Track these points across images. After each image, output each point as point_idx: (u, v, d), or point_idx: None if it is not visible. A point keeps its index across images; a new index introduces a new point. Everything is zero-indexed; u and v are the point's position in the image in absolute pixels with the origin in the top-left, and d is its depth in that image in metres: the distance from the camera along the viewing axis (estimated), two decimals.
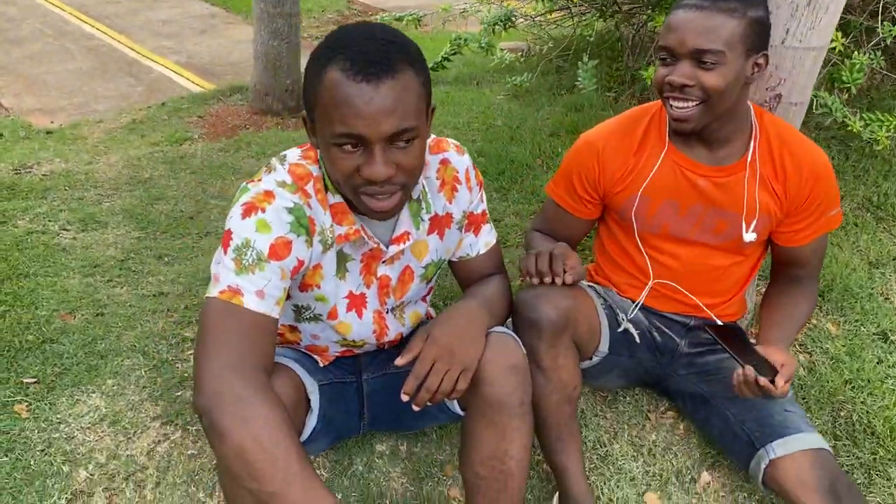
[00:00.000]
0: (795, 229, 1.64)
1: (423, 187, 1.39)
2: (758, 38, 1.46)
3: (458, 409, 1.50)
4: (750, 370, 1.43)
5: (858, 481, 1.77)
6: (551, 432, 1.59)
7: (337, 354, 1.52)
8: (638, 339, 1.73)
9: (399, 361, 1.31)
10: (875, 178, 2.87)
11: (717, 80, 1.45)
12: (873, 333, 2.21)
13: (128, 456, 1.66)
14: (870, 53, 2.79)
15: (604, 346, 1.68)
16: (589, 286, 1.77)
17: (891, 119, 2.75)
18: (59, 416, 1.74)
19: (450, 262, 1.56)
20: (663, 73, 1.48)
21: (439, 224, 1.45)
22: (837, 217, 1.66)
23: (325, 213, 1.29)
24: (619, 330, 1.71)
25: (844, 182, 2.83)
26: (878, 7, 2.86)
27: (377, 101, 1.10)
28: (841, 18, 3.02)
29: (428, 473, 1.73)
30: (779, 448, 1.50)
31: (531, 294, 1.51)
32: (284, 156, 1.31)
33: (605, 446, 1.81)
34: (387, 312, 1.47)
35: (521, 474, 1.37)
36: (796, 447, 1.49)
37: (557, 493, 1.65)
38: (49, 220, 2.67)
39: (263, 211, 1.21)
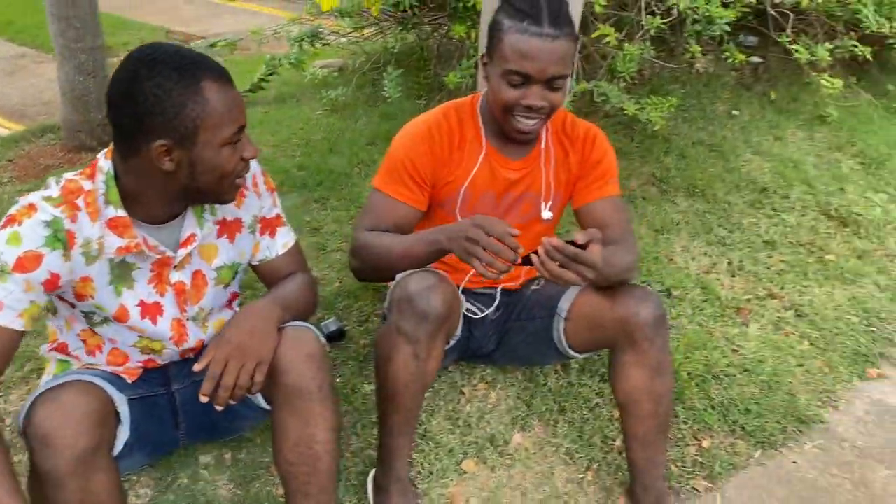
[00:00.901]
0: (583, 185, 1.81)
1: None
2: None
3: (263, 404, 1.57)
4: (555, 239, 1.41)
5: None
6: (402, 417, 1.63)
7: (140, 365, 1.55)
8: (480, 315, 1.86)
9: (196, 367, 1.37)
10: (657, 155, 3.20)
11: (562, 97, 1.63)
12: (660, 291, 2.48)
13: None
14: (640, 45, 3.11)
15: (458, 331, 1.80)
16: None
17: (663, 102, 3.09)
18: None
19: (254, 267, 1.63)
20: (516, 96, 1.60)
21: (228, 228, 1.52)
22: (617, 186, 1.84)
23: (93, 226, 1.33)
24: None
25: (630, 161, 3.14)
26: (642, 3, 3.19)
27: None
28: (614, 14, 3.35)
29: (254, 476, 1.78)
30: (564, 303, 1.78)
31: (422, 285, 1.54)
32: (63, 175, 1.35)
33: (424, 424, 1.93)
34: (188, 321, 1.52)
35: (330, 457, 1.46)
36: (573, 294, 1.78)
37: (374, 471, 1.75)
38: None
39: (20, 224, 1.27)
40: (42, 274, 1.29)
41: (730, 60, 3.41)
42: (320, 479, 1.45)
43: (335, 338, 2.17)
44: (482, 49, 2.04)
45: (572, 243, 1.41)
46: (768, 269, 2.76)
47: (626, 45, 3.02)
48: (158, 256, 1.41)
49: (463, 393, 2.02)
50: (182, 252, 1.43)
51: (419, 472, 1.83)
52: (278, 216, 1.62)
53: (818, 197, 3.19)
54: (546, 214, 1.81)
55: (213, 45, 4.46)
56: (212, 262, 1.51)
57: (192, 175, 1.32)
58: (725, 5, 3.14)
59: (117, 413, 1.43)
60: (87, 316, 1.44)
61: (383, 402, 1.64)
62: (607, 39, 3.06)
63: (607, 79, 3.19)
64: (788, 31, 3.48)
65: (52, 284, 1.31)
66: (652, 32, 3.07)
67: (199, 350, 1.58)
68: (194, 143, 1.29)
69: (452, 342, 1.80)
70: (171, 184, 1.34)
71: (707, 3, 2.93)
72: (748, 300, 2.59)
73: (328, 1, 3.14)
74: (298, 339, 1.43)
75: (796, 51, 3.36)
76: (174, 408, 1.61)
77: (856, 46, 3.53)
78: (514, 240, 1.41)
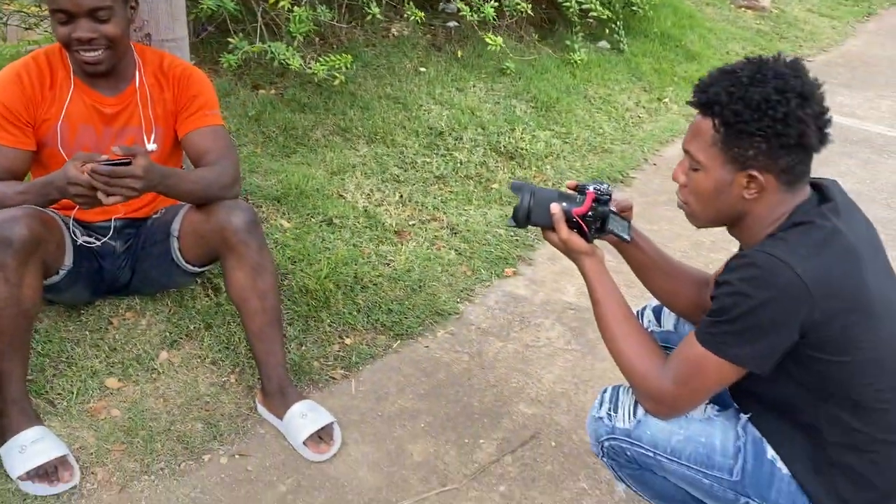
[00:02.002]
0: (184, 117, 2.01)
1: None
2: None
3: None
4: (92, 163, 1.64)
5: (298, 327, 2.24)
6: (5, 341, 1.72)
7: None
8: (98, 244, 1.99)
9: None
10: (343, 108, 3.48)
11: (114, 28, 1.81)
12: (321, 221, 2.74)
13: None
14: (307, 9, 3.35)
15: (68, 261, 1.91)
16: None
17: (340, 59, 3.36)
18: None
19: None
20: (67, 31, 1.78)
21: None
22: (217, 117, 2.06)
23: None
24: (78, 243, 1.95)
25: (316, 115, 3.39)
26: None
27: None
28: None
29: None
30: (175, 224, 2.03)
31: (7, 216, 1.66)
32: None
33: (67, 352, 2.05)
34: None
35: None
36: (181, 215, 2.00)
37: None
38: None
39: None
40: None
41: (411, 18, 3.77)
42: None
43: None
44: None
45: (110, 162, 1.62)
46: (435, 198, 3.12)
47: (297, 8, 3.25)
48: None
49: (111, 322, 2.16)
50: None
51: (59, 394, 1.95)
52: None
53: (490, 137, 3.61)
54: (150, 146, 1.98)
55: None
56: None
57: None
58: None
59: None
60: None
61: None
62: (281, 4, 3.29)
63: (287, 41, 3.40)
64: None
65: None
66: None
67: None
68: None
69: (63, 272, 1.91)
70: None
71: None
72: (412, 225, 2.92)
73: None
74: None
75: (462, 11, 3.77)
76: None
77: (519, 5, 4.02)
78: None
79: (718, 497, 1.42)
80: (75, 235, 1.96)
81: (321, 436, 1.94)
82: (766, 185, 1.30)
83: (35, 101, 1.87)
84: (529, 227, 1.52)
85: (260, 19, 3.52)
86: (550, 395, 2.21)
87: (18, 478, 1.73)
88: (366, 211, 2.88)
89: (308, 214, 2.74)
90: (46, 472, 1.73)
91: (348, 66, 3.38)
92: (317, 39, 3.91)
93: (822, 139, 1.28)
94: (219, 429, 1.97)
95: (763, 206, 1.33)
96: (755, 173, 1.29)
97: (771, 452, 1.40)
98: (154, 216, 2.09)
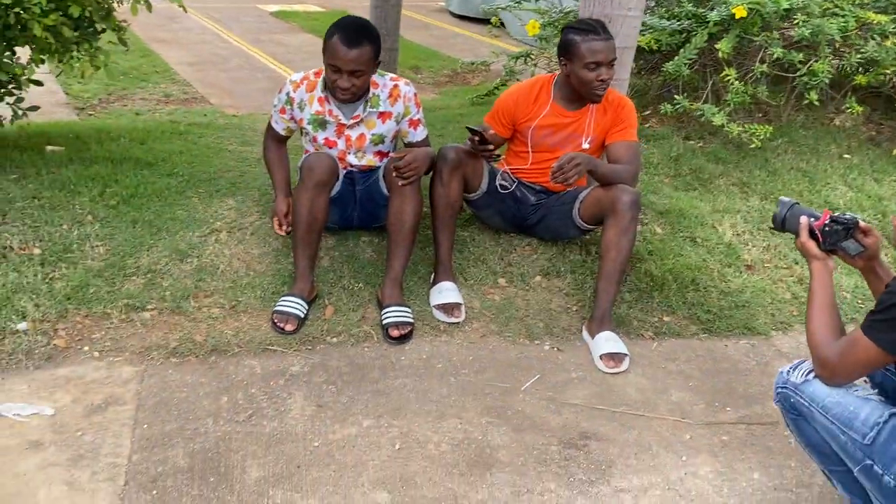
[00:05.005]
0: (613, 131, 3.01)
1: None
2: None
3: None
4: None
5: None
6: (438, 222, 2.96)
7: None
8: (510, 188, 3.13)
9: (394, 155, 2.91)
10: (751, 168, 4.09)
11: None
12: (686, 237, 3.46)
13: None
14: (748, 85, 4.07)
15: (483, 187, 3.08)
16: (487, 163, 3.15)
17: (762, 128, 4.01)
18: None
19: (406, 144, 3.06)
20: (595, 76, 2.86)
21: (383, 116, 2.94)
22: (634, 135, 3.02)
23: (305, 95, 2.92)
24: (495, 184, 3.12)
25: (726, 167, 4.08)
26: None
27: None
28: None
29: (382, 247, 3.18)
30: (581, 194, 2.96)
31: (448, 147, 2.95)
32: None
33: (482, 256, 3.19)
34: (348, 154, 2.98)
35: (411, 222, 2.82)
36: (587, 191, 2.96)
37: (433, 274, 3.03)
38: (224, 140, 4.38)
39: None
40: (286, 114, 2.91)
41: (848, 111, 4.20)
42: (405, 233, 2.82)
43: None
44: None
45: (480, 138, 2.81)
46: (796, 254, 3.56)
47: (737, 82, 4.00)
48: (335, 120, 2.90)
49: (515, 248, 3.25)
50: (352, 121, 2.90)
51: (469, 277, 3.10)
52: (420, 120, 3.03)
53: (887, 226, 3.84)
54: (585, 145, 3.03)
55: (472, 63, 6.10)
56: (370, 130, 2.96)
57: None
58: None
59: (337, 175, 2.91)
60: (305, 135, 2.99)
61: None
62: (727, 78, 4.07)
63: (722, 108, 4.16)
64: None
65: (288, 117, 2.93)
66: (759, 74, 4.02)
67: (367, 169, 3.03)
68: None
69: (480, 192, 3.07)
70: None
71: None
72: (765, 266, 3.44)
73: (532, 29, 4.52)
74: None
75: None
76: (355, 199, 3.08)
77: None
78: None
79: (849, 453, 1.83)
80: (496, 179, 3.10)
81: (613, 358, 2.73)
82: None
83: (521, 110, 3.07)
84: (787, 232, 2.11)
85: (710, 86, 4.36)
86: None
87: (434, 306, 2.92)
88: (729, 244, 3.50)
89: (679, 229, 3.49)
90: (449, 308, 2.88)
91: (767, 134, 4.00)
92: (756, 111, 4.58)
93: None
94: (552, 331, 2.90)
95: None
96: None
97: None
98: (567, 191, 3.10)
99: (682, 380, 2.71)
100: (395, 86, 2.96)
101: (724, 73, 4.10)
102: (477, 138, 2.83)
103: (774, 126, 4.27)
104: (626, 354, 2.75)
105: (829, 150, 4.39)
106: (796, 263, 3.48)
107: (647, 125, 4.47)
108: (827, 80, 4.03)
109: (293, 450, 2.20)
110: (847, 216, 2.01)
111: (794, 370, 1.98)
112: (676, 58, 4.02)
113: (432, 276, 3.03)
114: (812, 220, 2.04)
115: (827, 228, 2.01)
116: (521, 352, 2.78)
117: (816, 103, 4.18)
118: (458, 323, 2.87)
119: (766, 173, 4.08)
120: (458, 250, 3.17)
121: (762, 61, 4.06)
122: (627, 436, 2.40)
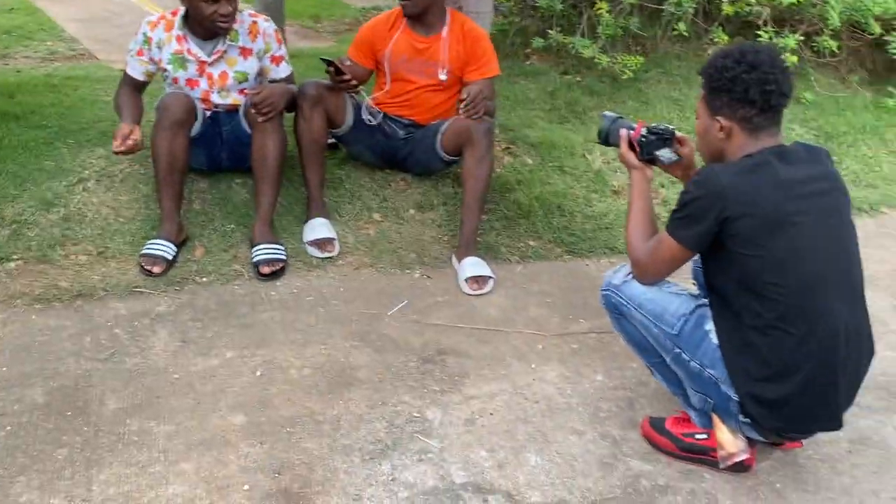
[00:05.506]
0: (470, 69, 3.10)
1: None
2: None
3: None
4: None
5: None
6: (304, 159, 3.02)
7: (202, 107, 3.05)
8: (374, 121, 3.18)
9: (248, 91, 2.94)
10: (624, 98, 4.26)
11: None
12: (556, 166, 3.61)
13: None
14: (627, 18, 4.20)
15: (348, 121, 3.13)
16: (350, 97, 3.20)
17: (632, 59, 4.16)
18: None
19: (270, 81, 3.08)
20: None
21: (244, 52, 2.96)
22: (495, 68, 3.11)
23: (163, 34, 2.91)
24: (362, 118, 3.18)
25: (601, 99, 4.23)
26: None
27: None
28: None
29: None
30: (441, 126, 3.04)
31: (309, 83, 2.98)
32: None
33: (358, 193, 3.27)
34: (212, 93, 2.98)
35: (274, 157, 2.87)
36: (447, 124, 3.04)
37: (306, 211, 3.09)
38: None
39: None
40: (144, 55, 2.89)
41: (716, 41, 4.38)
42: (270, 170, 2.87)
43: None
44: None
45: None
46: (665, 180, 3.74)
47: (606, 14, 4.13)
48: (194, 59, 2.90)
49: (390, 184, 3.33)
50: (213, 58, 2.90)
51: (343, 213, 3.17)
52: (282, 56, 3.05)
53: None
54: (442, 76, 3.10)
55: None
56: (232, 67, 2.97)
57: (194, 16, 2.82)
58: None
59: (196, 114, 2.90)
60: (166, 78, 2.98)
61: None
62: (599, 11, 4.20)
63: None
64: None
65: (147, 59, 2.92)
66: (628, 7, 4.16)
67: (232, 109, 3.05)
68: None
69: (345, 127, 3.13)
70: (195, 18, 2.82)
71: None
72: None
73: None
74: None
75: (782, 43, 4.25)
76: (222, 139, 3.09)
77: (825, 41, 4.33)
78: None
79: (662, 344, 2.01)
80: (362, 113, 3.15)
81: (477, 280, 2.86)
82: (731, 131, 1.88)
83: (380, 36, 3.13)
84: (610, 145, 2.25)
85: (584, 20, 4.48)
86: None
87: (307, 242, 2.99)
88: (598, 171, 3.66)
89: (549, 160, 3.63)
90: (322, 243, 2.96)
91: (638, 66, 4.16)
92: (633, 45, 4.72)
93: (766, 99, 1.81)
94: (423, 260, 3.01)
95: (732, 147, 1.90)
96: (722, 120, 1.88)
97: (709, 326, 1.95)
98: (432, 124, 3.17)
99: (541, 298, 2.86)
100: (255, 22, 2.97)
101: (596, 6, 4.23)
102: (332, 69, 2.87)
103: (649, 58, 4.43)
104: (490, 277, 2.89)
105: (699, 78, 4.57)
106: (662, 187, 3.66)
107: (527, 63, 4.57)
108: (692, 10, 4.20)
109: (153, 382, 2.26)
110: (661, 127, 2.16)
111: (615, 273, 2.14)
112: None
113: (306, 215, 3.10)
114: (630, 131, 2.18)
115: (643, 139, 2.15)
116: (391, 281, 2.89)
117: (685, 34, 4.35)
118: (331, 258, 2.95)
119: (640, 103, 4.25)
120: (333, 188, 3.24)
121: None
122: (484, 349, 2.54)
